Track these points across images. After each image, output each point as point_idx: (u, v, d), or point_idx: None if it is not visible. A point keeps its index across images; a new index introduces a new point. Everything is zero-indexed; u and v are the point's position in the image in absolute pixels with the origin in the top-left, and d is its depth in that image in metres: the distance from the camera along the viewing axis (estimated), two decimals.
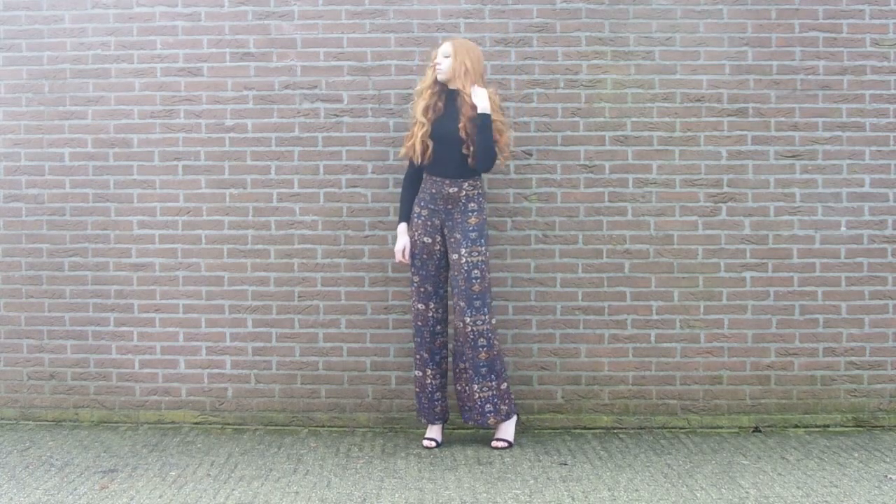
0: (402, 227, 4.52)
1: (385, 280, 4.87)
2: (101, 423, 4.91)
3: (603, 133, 4.84)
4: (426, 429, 4.56)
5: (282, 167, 4.87)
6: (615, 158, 4.84)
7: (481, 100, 4.27)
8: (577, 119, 4.84)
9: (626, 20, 4.82)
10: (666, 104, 4.83)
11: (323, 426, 4.87)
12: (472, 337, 4.32)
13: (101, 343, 4.93)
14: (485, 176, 4.70)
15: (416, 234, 4.45)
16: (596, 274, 4.85)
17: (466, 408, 4.43)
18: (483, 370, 4.33)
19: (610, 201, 4.84)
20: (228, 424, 4.89)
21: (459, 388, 4.44)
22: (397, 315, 4.86)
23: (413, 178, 4.51)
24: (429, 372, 4.44)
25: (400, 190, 4.63)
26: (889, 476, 3.97)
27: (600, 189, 4.84)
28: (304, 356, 4.89)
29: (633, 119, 4.83)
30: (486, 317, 4.32)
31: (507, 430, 4.47)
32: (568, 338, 4.85)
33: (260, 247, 4.89)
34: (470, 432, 4.75)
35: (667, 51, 4.82)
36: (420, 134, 4.35)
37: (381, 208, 4.86)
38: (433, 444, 4.44)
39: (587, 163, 4.85)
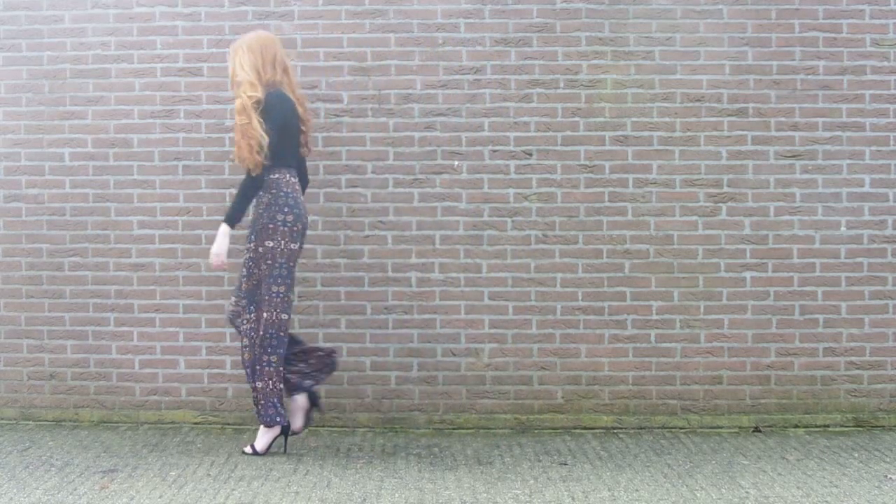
0: None
1: (385, 280, 4.87)
2: (101, 423, 4.90)
3: (603, 133, 4.84)
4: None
5: None
6: (615, 158, 4.84)
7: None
8: (577, 119, 4.84)
9: (626, 20, 4.82)
10: (666, 104, 4.83)
11: (323, 426, 4.87)
12: (243, 334, 4.38)
13: (101, 343, 4.93)
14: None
15: None
16: (596, 274, 4.85)
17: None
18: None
19: (610, 201, 4.84)
20: (228, 424, 4.89)
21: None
22: (397, 315, 4.86)
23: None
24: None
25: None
26: (889, 476, 3.97)
27: (600, 189, 4.84)
28: None
29: (633, 119, 4.83)
30: (253, 315, 4.33)
31: (260, 436, 4.35)
32: (568, 338, 4.85)
33: None
34: (470, 432, 4.76)
35: (667, 51, 4.82)
36: None
37: (380, 208, 4.86)
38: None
39: (587, 163, 4.85)
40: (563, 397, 4.85)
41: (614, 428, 4.83)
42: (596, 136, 4.84)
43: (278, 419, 4.30)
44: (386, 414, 4.88)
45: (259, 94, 4.20)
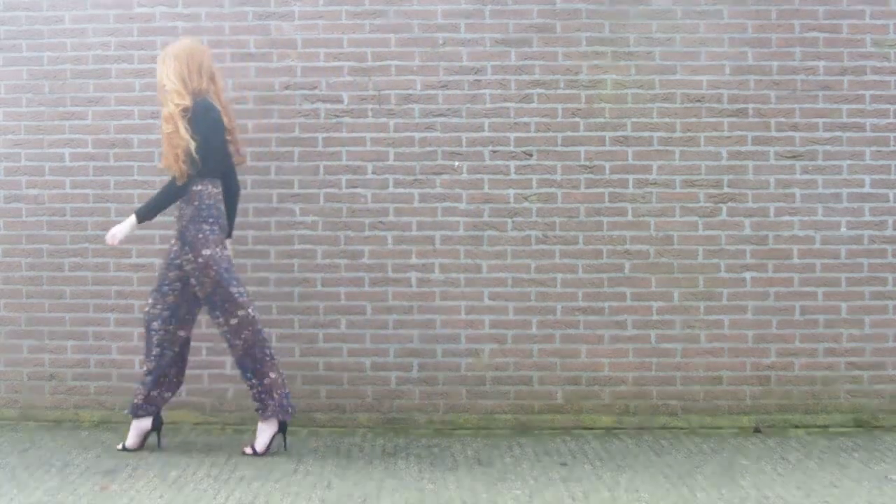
0: None
1: (385, 280, 4.87)
2: (102, 424, 4.90)
3: (603, 133, 4.84)
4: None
5: (282, 167, 4.87)
6: (615, 159, 4.84)
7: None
8: (577, 119, 4.84)
9: (627, 21, 4.82)
10: (666, 104, 4.83)
11: (323, 426, 4.87)
12: (222, 336, 4.38)
13: (102, 343, 4.93)
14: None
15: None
16: (596, 274, 4.85)
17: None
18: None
19: (610, 202, 4.84)
20: (229, 424, 4.89)
21: None
22: (398, 315, 4.86)
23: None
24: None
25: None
26: (890, 477, 3.97)
27: (600, 189, 4.84)
28: (304, 356, 4.89)
29: (634, 119, 4.83)
30: (221, 319, 4.30)
31: (259, 436, 4.38)
32: (568, 338, 4.85)
33: (260, 247, 4.89)
34: (470, 432, 4.75)
35: (667, 51, 4.82)
36: None
37: (381, 209, 4.86)
38: (120, 446, 4.43)
39: (587, 163, 4.85)
40: (563, 398, 4.85)
41: (614, 428, 4.83)
42: (596, 137, 4.84)
43: (288, 410, 4.34)
44: (386, 414, 4.88)
45: (187, 101, 4.22)
